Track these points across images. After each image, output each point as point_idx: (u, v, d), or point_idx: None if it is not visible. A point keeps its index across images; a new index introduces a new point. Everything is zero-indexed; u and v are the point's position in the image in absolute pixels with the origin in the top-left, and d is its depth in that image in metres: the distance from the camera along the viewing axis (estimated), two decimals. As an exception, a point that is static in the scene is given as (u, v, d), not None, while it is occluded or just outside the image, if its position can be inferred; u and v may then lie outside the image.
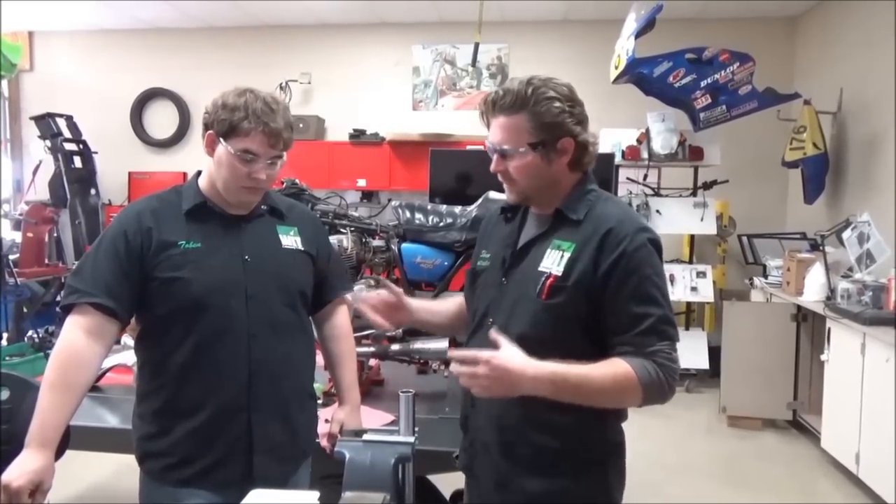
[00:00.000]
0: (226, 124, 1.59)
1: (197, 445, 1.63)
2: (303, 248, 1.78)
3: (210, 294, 1.61)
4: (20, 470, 1.45)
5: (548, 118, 1.41)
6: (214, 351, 1.62)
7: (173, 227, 1.64)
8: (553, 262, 1.43)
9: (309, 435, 1.83)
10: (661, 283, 1.40)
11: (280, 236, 1.76)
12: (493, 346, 1.32)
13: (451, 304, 1.78)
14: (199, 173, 1.75)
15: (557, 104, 1.41)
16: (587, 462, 1.46)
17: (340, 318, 1.94)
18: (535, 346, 1.37)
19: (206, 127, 1.64)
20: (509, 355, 1.30)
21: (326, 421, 1.90)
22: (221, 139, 1.61)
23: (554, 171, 1.46)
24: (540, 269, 1.44)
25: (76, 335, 1.55)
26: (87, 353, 1.56)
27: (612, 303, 1.38)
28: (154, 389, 1.66)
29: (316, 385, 2.27)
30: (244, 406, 1.64)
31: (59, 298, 1.91)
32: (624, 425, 1.52)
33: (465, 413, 1.60)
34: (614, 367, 1.33)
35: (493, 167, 1.49)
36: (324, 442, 1.85)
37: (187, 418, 1.62)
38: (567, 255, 1.42)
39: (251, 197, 1.69)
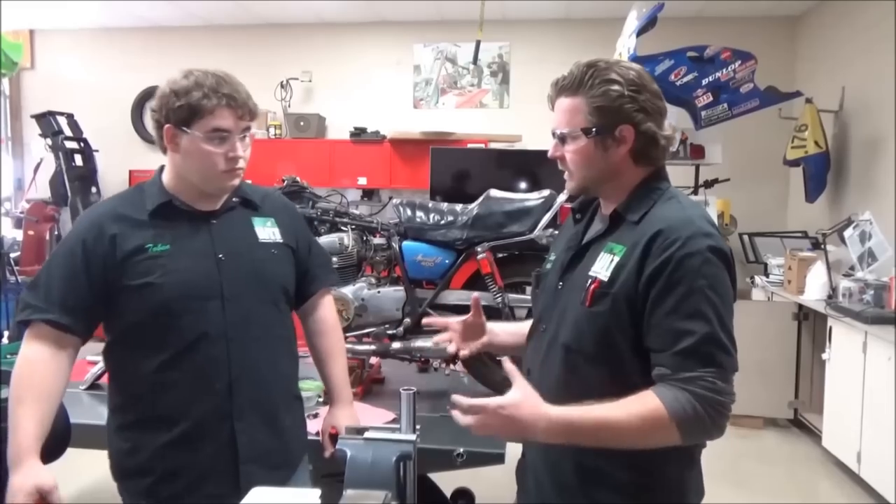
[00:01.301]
0: (185, 109, 1.47)
1: (178, 459, 1.53)
2: (282, 240, 1.67)
3: (183, 298, 1.51)
4: (16, 496, 1.38)
5: (603, 102, 1.29)
6: (191, 358, 1.52)
7: (138, 230, 1.53)
8: (603, 266, 1.30)
9: (299, 439, 1.74)
10: (718, 300, 1.22)
11: (256, 229, 1.65)
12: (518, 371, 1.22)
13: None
14: (162, 168, 1.64)
15: (616, 87, 1.28)
16: (635, 496, 1.31)
17: (326, 311, 1.84)
18: (578, 359, 1.31)
19: (160, 124, 1.52)
20: (518, 402, 1.17)
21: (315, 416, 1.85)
22: (184, 128, 1.49)
23: (612, 162, 1.33)
24: (590, 273, 1.32)
25: (35, 351, 1.48)
26: (50, 365, 1.48)
27: (652, 315, 1.23)
28: (127, 402, 1.58)
29: (316, 384, 2.25)
30: (227, 414, 1.55)
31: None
32: None
33: None
34: (643, 405, 1.17)
35: (550, 152, 1.39)
36: (328, 449, 1.78)
37: (165, 431, 1.53)
38: (617, 258, 1.28)
39: (233, 181, 1.57)
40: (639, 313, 1.25)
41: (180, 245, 1.54)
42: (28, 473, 1.39)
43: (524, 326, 1.61)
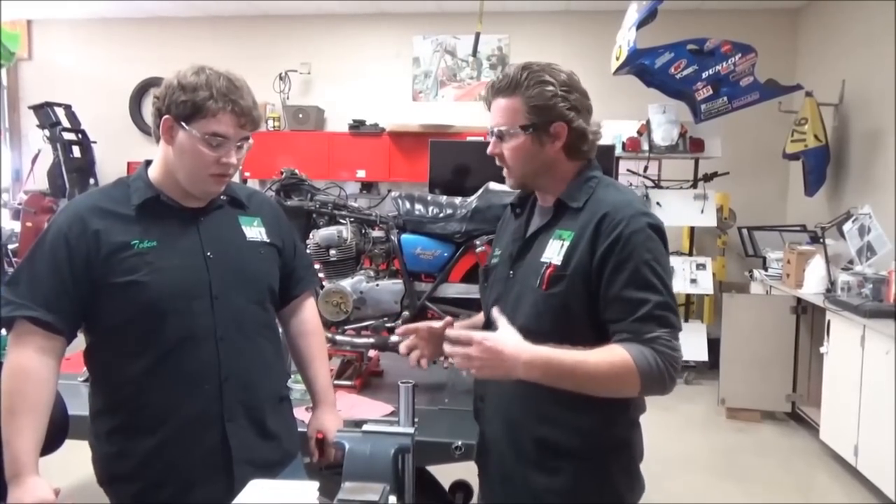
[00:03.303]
0: (188, 106, 1.44)
1: (169, 463, 1.49)
2: (268, 240, 1.65)
3: (171, 297, 1.47)
4: None
5: (539, 101, 1.41)
6: (179, 360, 1.48)
7: (123, 225, 1.48)
8: (554, 251, 1.42)
9: (291, 439, 1.70)
10: (661, 269, 1.36)
11: (243, 228, 1.62)
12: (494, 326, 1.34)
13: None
14: (147, 163, 1.60)
15: (550, 88, 1.41)
16: (588, 457, 1.44)
17: (309, 313, 1.82)
18: (537, 338, 1.36)
19: (160, 112, 1.48)
20: (503, 337, 1.29)
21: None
22: (183, 123, 1.45)
23: (547, 156, 1.46)
24: (542, 259, 1.43)
25: (24, 357, 1.42)
26: (41, 373, 1.42)
27: (609, 289, 1.35)
28: (113, 406, 1.52)
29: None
30: (217, 416, 1.51)
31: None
32: None
33: (477, 406, 1.61)
34: (611, 354, 1.30)
35: (489, 149, 1.50)
36: (315, 456, 1.73)
37: (153, 434, 1.48)
38: (567, 243, 1.41)
39: (218, 186, 1.54)
40: (593, 287, 1.38)
41: (168, 242, 1.50)
42: (28, 490, 1.36)
43: (478, 321, 1.70)
